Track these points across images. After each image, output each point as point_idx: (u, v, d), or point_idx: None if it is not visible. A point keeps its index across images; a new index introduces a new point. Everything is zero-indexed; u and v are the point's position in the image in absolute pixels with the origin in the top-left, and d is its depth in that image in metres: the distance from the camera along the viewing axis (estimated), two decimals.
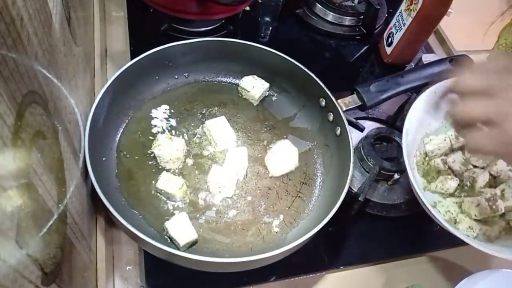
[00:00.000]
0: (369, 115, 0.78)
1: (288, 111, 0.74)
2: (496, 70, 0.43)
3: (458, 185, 0.63)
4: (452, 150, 0.66)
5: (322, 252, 0.66)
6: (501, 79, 0.42)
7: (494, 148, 0.41)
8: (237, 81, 0.76)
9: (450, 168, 0.64)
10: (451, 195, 0.63)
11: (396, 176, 0.69)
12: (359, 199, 0.64)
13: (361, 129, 0.70)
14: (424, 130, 0.66)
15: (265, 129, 0.72)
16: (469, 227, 0.58)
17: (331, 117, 0.68)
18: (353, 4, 0.95)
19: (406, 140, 0.60)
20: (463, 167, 0.63)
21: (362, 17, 0.94)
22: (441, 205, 0.61)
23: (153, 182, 0.63)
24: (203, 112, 0.72)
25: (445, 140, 0.65)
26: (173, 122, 0.70)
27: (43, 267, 0.36)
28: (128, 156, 0.65)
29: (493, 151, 0.42)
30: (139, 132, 0.67)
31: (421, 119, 0.64)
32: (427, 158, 0.66)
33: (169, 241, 0.58)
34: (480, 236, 0.59)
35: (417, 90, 0.70)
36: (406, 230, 0.70)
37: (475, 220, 0.59)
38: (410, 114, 0.62)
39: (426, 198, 0.57)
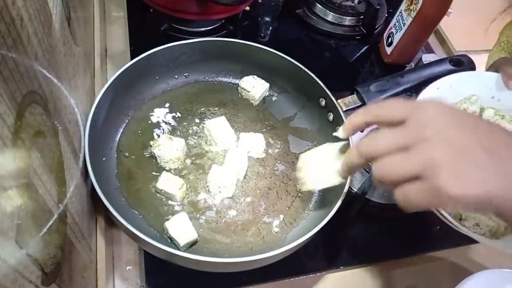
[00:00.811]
0: None
1: (288, 111, 0.74)
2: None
3: None
4: None
5: (322, 252, 0.66)
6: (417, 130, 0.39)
7: (428, 201, 0.38)
8: (237, 81, 0.76)
9: None
10: None
11: None
12: (359, 199, 0.64)
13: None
14: None
15: (265, 129, 0.72)
16: (476, 224, 0.58)
17: (331, 117, 0.68)
18: (353, 4, 0.95)
19: None
20: None
21: (362, 17, 0.94)
22: None
23: (153, 182, 0.63)
24: (203, 112, 0.72)
25: None
26: (173, 122, 0.70)
27: (43, 267, 0.36)
28: (128, 156, 0.65)
29: (426, 204, 0.38)
30: (139, 132, 0.67)
31: None
32: None
33: (169, 241, 0.58)
34: (487, 234, 0.58)
35: (417, 90, 0.70)
36: (406, 230, 0.70)
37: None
38: None
39: None
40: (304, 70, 0.70)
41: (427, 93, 0.64)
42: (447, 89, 0.66)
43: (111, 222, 0.61)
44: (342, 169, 0.47)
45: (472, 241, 0.56)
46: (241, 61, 0.74)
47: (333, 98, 0.67)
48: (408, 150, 0.38)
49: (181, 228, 0.57)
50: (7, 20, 0.31)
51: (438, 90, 0.65)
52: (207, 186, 0.64)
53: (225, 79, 0.76)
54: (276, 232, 0.62)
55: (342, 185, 0.59)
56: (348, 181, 0.59)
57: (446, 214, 0.55)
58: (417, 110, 0.40)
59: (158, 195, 0.62)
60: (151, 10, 0.81)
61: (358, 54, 0.93)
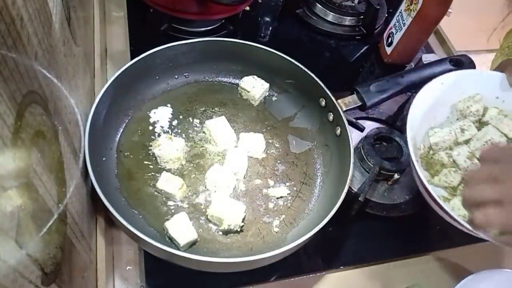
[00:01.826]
0: (369, 115, 0.78)
1: (288, 111, 0.74)
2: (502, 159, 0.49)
3: (463, 178, 0.61)
4: (457, 144, 0.65)
5: (322, 252, 0.66)
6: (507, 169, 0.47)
7: (501, 222, 0.45)
8: (237, 81, 0.76)
9: (455, 162, 0.63)
10: (454, 189, 0.61)
11: (396, 176, 0.69)
12: (359, 199, 0.64)
13: (361, 129, 0.70)
14: (429, 123, 0.66)
15: (265, 129, 0.72)
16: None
17: (331, 117, 0.68)
18: (353, 4, 0.95)
19: (410, 132, 0.59)
20: (468, 160, 0.62)
21: (362, 17, 0.94)
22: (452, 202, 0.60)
23: (153, 182, 0.63)
24: (203, 112, 0.72)
25: (450, 133, 0.65)
26: (173, 122, 0.70)
27: (43, 267, 0.36)
28: (128, 156, 0.65)
29: (500, 226, 0.46)
30: (139, 132, 0.67)
31: (426, 111, 0.64)
32: (431, 152, 0.65)
33: (169, 241, 0.58)
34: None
35: (417, 90, 0.70)
36: (406, 230, 0.70)
37: None
38: (414, 104, 0.61)
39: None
40: (304, 70, 0.70)
41: (431, 86, 0.63)
42: (451, 85, 0.65)
43: (111, 222, 0.61)
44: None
45: (472, 241, 0.56)
46: (241, 61, 0.74)
47: (333, 98, 0.67)
48: (497, 182, 0.47)
49: (181, 228, 0.57)
50: (7, 20, 0.31)
51: (442, 85, 0.65)
52: (205, 184, 0.63)
53: (225, 79, 0.76)
54: (276, 232, 0.62)
55: (342, 185, 0.59)
56: (348, 181, 0.59)
57: (450, 212, 0.53)
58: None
59: (158, 195, 0.62)
60: (151, 10, 0.81)
61: (358, 54, 0.93)
